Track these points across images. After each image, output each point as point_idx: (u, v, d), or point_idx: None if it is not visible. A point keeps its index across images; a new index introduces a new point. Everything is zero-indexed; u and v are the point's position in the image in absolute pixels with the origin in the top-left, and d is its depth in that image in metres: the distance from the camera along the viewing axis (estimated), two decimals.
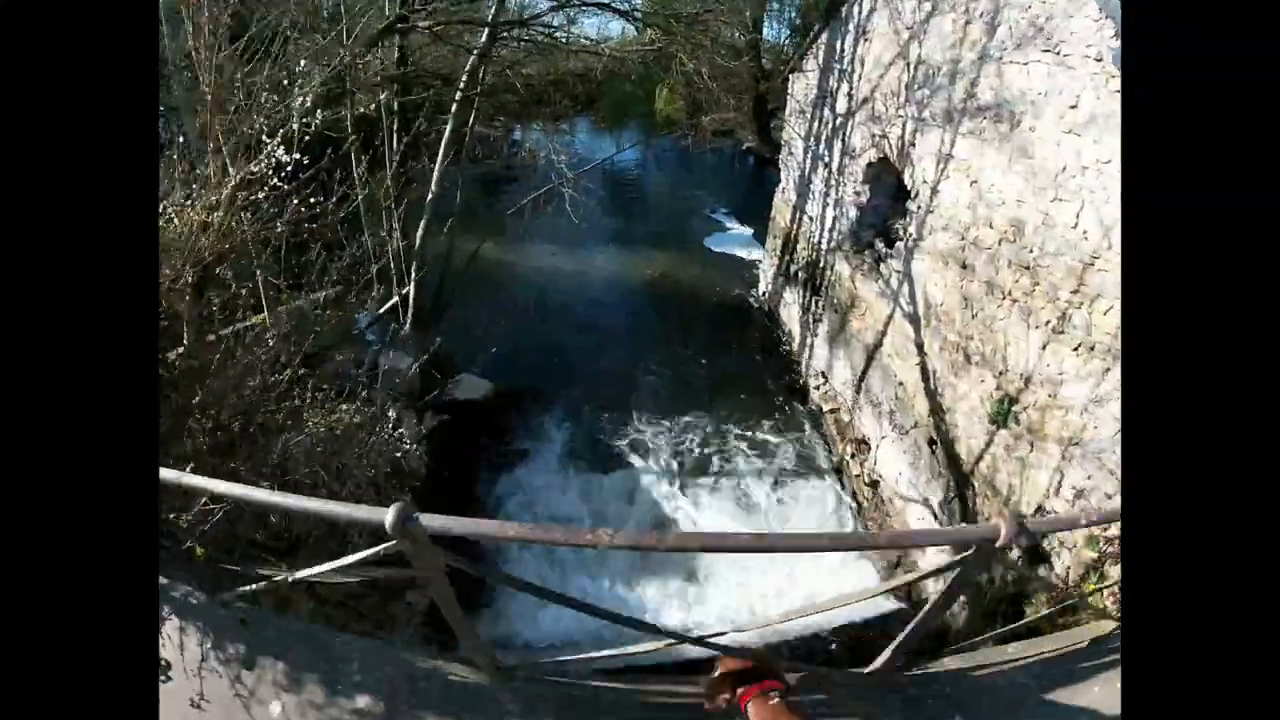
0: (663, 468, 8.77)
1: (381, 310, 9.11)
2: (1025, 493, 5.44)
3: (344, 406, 5.80)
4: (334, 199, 5.59)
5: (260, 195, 4.31)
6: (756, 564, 7.57)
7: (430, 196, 8.01)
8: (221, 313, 4.87)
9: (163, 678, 2.56)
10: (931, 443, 6.76)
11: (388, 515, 1.73)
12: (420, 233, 8.11)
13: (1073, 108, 4.54)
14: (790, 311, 10.81)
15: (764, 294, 12.17)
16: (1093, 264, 4.53)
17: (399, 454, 6.32)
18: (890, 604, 7.27)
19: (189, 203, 4.14)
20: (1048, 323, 5.05)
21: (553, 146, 8.73)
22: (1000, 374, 5.65)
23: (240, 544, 4.46)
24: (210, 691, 2.61)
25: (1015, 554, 5.56)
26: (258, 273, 5.39)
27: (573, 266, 12.72)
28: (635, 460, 8.84)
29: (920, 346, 6.90)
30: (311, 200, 5.19)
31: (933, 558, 6.67)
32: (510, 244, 10.89)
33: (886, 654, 2.58)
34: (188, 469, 4.10)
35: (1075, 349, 4.78)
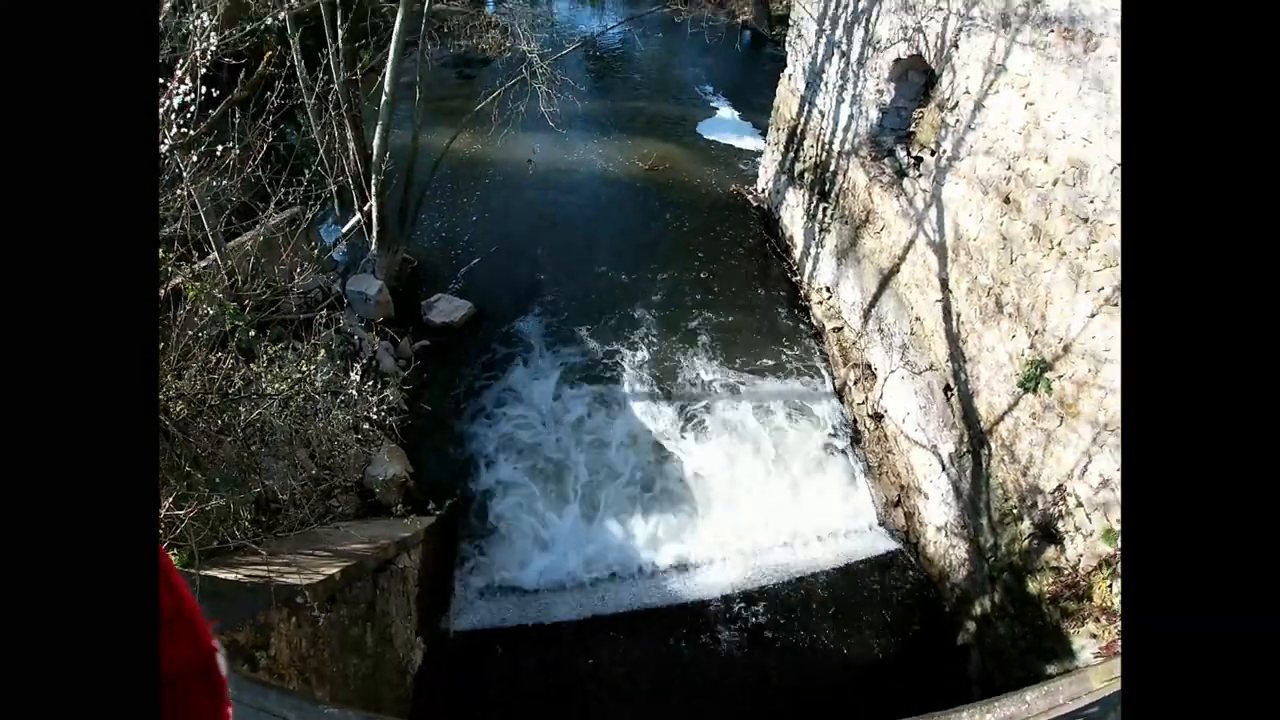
0: (654, 389, 8.30)
1: (346, 230, 8.23)
2: (1046, 467, 5.01)
3: (304, 367, 5.22)
4: (264, 136, 4.71)
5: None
6: (749, 495, 7.34)
7: (385, 98, 6.89)
8: None
9: None
10: (947, 390, 6.26)
11: None
12: (378, 140, 7.07)
13: None
14: (793, 215, 9.92)
15: (763, 191, 11.15)
16: None
17: (369, 412, 5.85)
18: (888, 543, 7.12)
19: None
20: (1101, 289, 4.38)
21: (525, 33, 7.39)
22: (1035, 333, 5.04)
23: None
24: None
25: (1025, 525, 5.26)
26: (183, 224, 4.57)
27: (558, 158, 11.56)
28: (628, 380, 8.35)
29: (944, 283, 6.22)
30: (227, 144, 4.33)
31: (937, 508, 6.41)
32: (487, 135, 9.71)
33: None
34: None
35: None
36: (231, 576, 4.14)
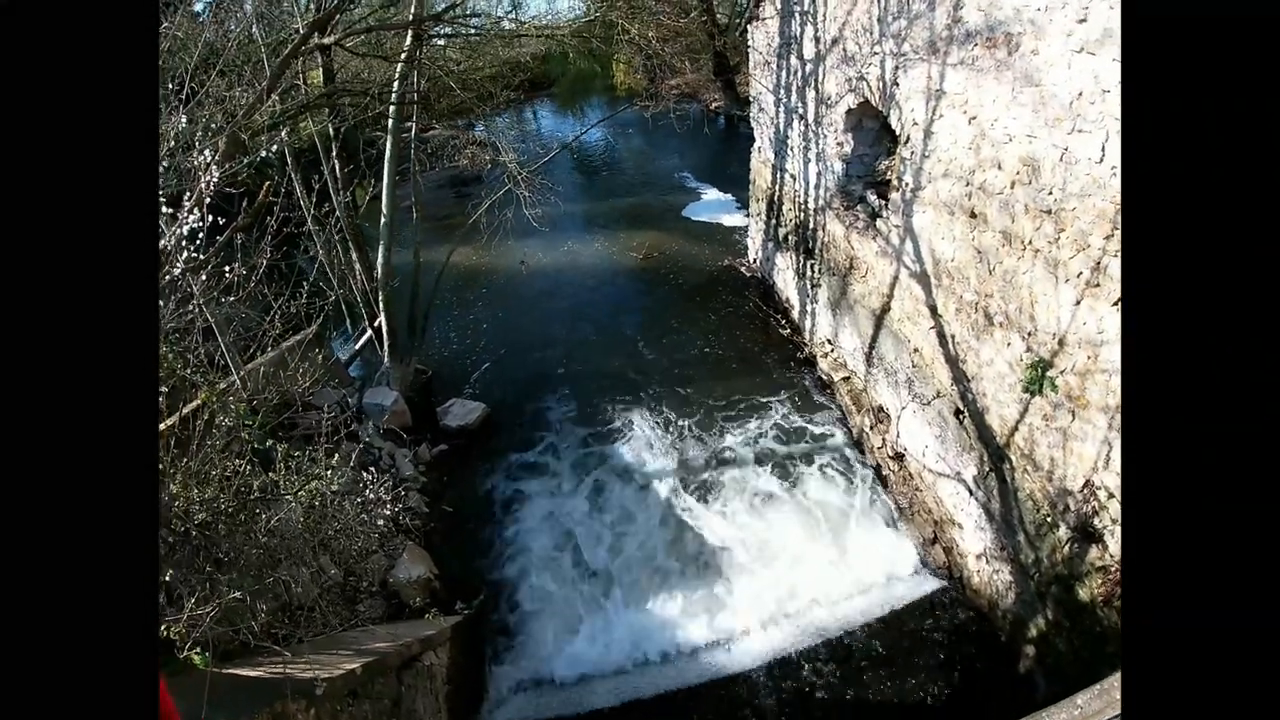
0: (674, 463, 8.28)
1: (359, 345, 8.57)
2: (1069, 466, 4.85)
3: (322, 473, 5.37)
4: (264, 255, 5.05)
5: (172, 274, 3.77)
6: (784, 558, 7.11)
7: (385, 219, 7.36)
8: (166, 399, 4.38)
9: None
10: (958, 413, 6.17)
11: None
12: (381, 259, 7.49)
13: (1081, 22, 3.85)
14: (785, 278, 10.15)
15: (754, 261, 11.47)
16: None
17: (386, 513, 5.89)
18: (932, 583, 6.79)
19: None
20: (1079, 274, 4.41)
21: (503, 146, 7.99)
22: (1029, 335, 5.03)
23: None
24: None
25: (1062, 531, 5.03)
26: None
27: (556, 259, 12.09)
28: (645, 460, 8.35)
29: (933, 309, 6.27)
30: (233, 265, 4.65)
31: (973, 535, 6.16)
32: (486, 246, 10.27)
33: None
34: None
35: (1115, 304, 4.15)
36: (252, 674, 4.09)
